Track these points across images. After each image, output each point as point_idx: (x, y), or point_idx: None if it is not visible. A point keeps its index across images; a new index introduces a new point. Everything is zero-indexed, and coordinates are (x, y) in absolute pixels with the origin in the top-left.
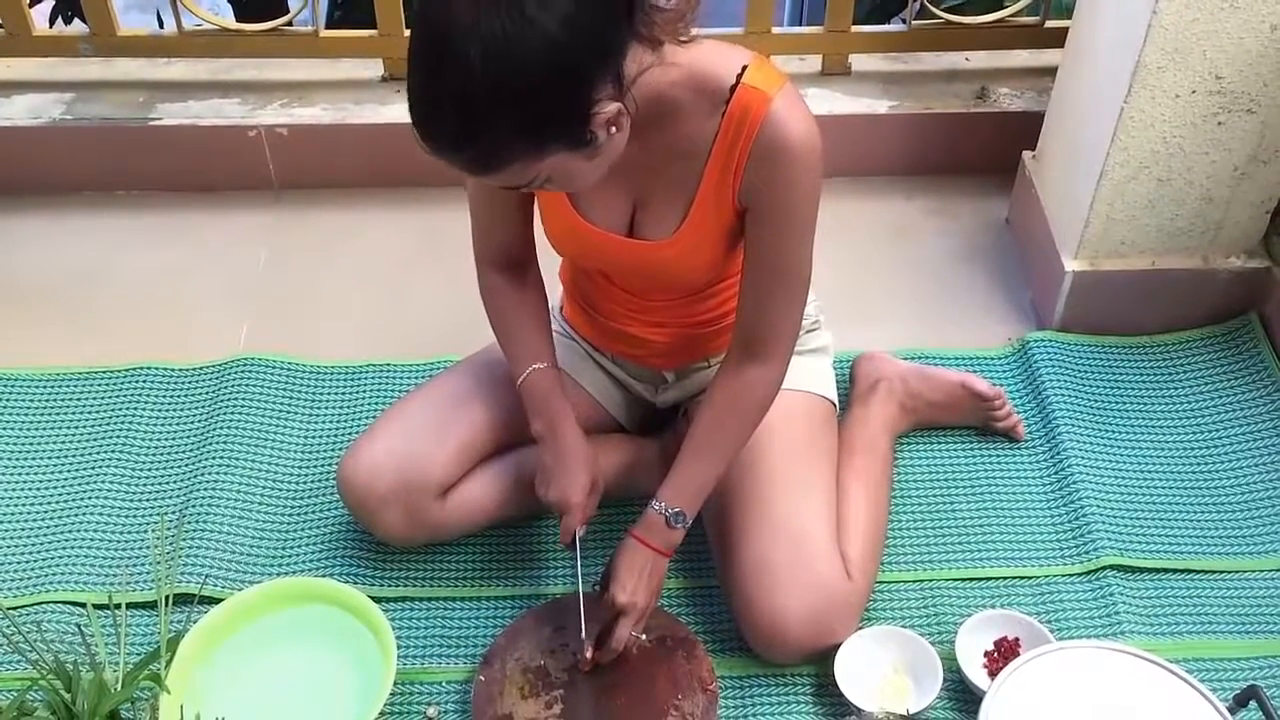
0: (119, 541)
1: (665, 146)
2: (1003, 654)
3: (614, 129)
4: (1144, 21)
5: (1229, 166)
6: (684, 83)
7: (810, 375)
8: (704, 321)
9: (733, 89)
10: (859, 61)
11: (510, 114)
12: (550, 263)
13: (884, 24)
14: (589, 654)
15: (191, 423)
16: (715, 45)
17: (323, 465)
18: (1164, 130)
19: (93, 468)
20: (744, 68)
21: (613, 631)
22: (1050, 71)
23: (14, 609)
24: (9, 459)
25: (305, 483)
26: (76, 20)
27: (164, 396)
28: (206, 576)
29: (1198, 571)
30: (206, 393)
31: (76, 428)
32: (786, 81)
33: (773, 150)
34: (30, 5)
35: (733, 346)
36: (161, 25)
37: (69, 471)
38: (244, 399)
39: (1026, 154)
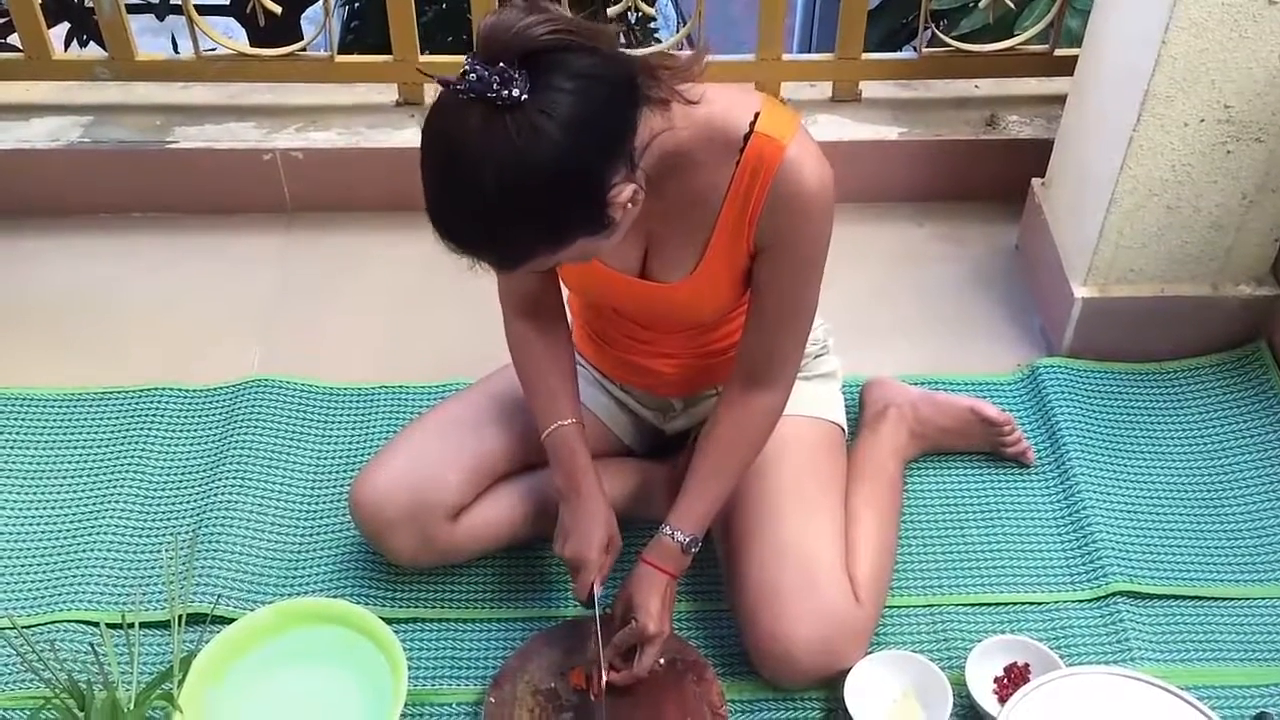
0: (132, 561)
1: (679, 195)
2: (1012, 680)
3: (631, 204)
4: (1153, 50)
5: (1238, 194)
6: (696, 137)
7: (819, 400)
8: (713, 352)
9: (746, 137)
10: (869, 88)
11: (527, 221)
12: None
13: (894, 51)
14: (605, 678)
15: (205, 443)
16: (724, 93)
17: (335, 486)
18: (1173, 158)
19: (107, 487)
20: (756, 115)
21: (640, 659)
22: (1059, 99)
23: (28, 628)
24: (24, 478)
25: (318, 504)
26: (94, 44)
27: (178, 417)
28: (219, 596)
29: (1208, 599)
30: (220, 414)
31: (91, 448)
32: (799, 126)
33: (788, 198)
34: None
35: (736, 374)
36: (177, 50)
37: (83, 491)
38: (257, 420)
39: (1036, 181)
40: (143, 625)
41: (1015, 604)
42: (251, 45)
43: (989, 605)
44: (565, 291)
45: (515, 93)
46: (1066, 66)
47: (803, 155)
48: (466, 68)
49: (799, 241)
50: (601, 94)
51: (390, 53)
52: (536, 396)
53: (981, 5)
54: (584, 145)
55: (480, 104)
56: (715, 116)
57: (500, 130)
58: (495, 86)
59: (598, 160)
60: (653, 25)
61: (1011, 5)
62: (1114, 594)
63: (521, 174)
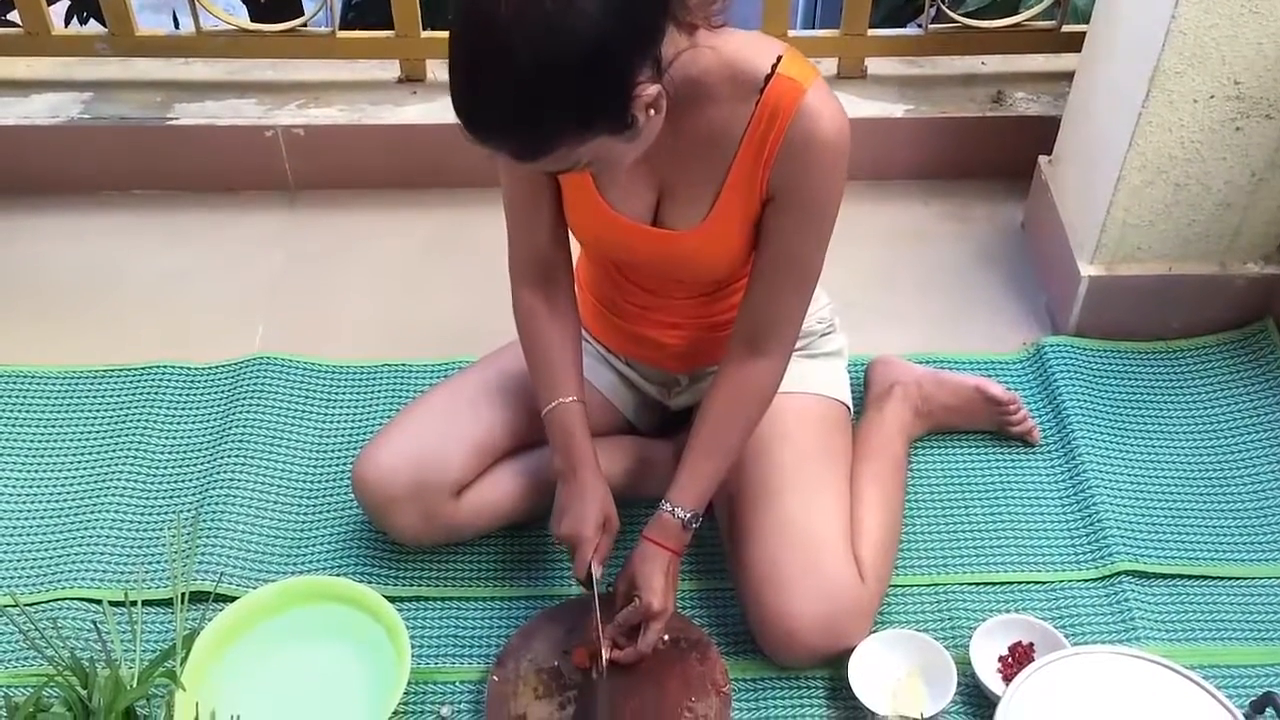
0: (135, 539)
1: (696, 133)
2: (1017, 659)
3: (653, 111)
4: (1162, 26)
5: (1247, 172)
6: (718, 69)
7: (824, 379)
8: (718, 324)
9: (768, 78)
10: (875, 65)
11: (556, 100)
12: None
13: (900, 28)
14: (607, 655)
15: (207, 421)
16: (749, 35)
17: (338, 465)
18: (1181, 135)
19: (109, 465)
20: (779, 58)
21: (644, 637)
22: (1066, 76)
23: (31, 605)
24: (27, 456)
25: (320, 482)
26: (94, 20)
27: (180, 395)
28: (222, 574)
29: (1213, 578)
30: (222, 391)
31: (93, 425)
32: (819, 75)
33: (805, 142)
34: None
35: (736, 339)
36: (177, 25)
37: (85, 469)
38: (260, 398)
39: (1042, 158)
40: (145, 603)
41: (1020, 583)
42: (252, 21)
43: (993, 584)
44: (574, 262)
45: None
46: (1074, 43)
47: (822, 101)
48: None
49: (811, 188)
50: None
51: (392, 29)
52: (539, 371)
53: None
54: (617, 28)
55: None
56: (738, 55)
57: (535, 2)
58: None
59: (627, 46)
60: None
61: None
62: (1119, 573)
63: (554, 45)
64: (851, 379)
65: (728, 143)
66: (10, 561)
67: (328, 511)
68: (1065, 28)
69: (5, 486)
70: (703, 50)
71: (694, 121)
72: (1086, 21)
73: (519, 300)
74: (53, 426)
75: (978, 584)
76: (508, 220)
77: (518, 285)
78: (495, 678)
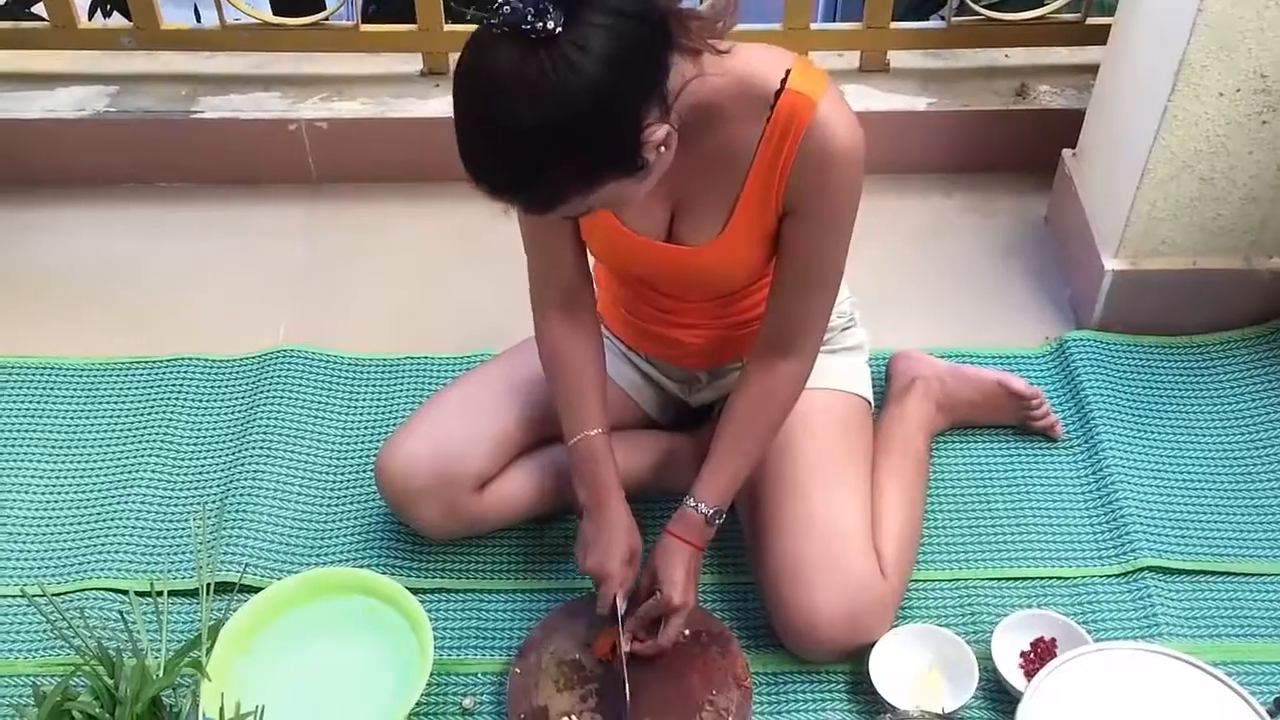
0: (160, 530)
1: (708, 152)
2: (1039, 654)
3: (664, 149)
4: (1189, 18)
5: (1272, 166)
6: (727, 89)
7: (846, 373)
8: (739, 323)
9: (777, 94)
10: (898, 58)
11: (561, 158)
12: None
13: (923, 20)
14: (627, 648)
15: (232, 413)
16: (756, 49)
17: (361, 456)
18: (1207, 128)
19: (135, 457)
20: (787, 72)
21: (664, 631)
22: (1091, 69)
23: (58, 595)
24: (53, 447)
25: (343, 474)
26: (118, 14)
27: (204, 387)
28: (246, 565)
29: (1237, 574)
30: (246, 384)
31: (118, 417)
32: (830, 84)
33: (819, 155)
34: None
35: (761, 342)
36: (199, 19)
37: (111, 460)
38: (283, 390)
39: (1066, 152)
40: (171, 594)
41: (1042, 578)
42: (275, 14)
43: (1015, 580)
44: (591, 263)
45: (550, 25)
46: (1099, 35)
47: (834, 113)
48: (501, 1)
49: (828, 200)
50: (636, 31)
51: (414, 22)
52: (564, 402)
53: None
54: (619, 81)
55: (514, 39)
56: (747, 72)
57: (535, 65)
58: (530, 19)
59: (632, 97)
60: None
61: None
62: (1142, 569)
63: (557, 108)
64: (873, 374)
65: (740, 160)
66: (37, 552)
67: (351, 503)
68: (1090, 20)
69: (32, 478)
70: (710, 74)
71: (706, 142)
72: (1111, 14)
73: (542, 328)
74: (78, 418)
75: (999, 579)
76: (528, 252)
77: (541, 311)
78: (517, 670)
